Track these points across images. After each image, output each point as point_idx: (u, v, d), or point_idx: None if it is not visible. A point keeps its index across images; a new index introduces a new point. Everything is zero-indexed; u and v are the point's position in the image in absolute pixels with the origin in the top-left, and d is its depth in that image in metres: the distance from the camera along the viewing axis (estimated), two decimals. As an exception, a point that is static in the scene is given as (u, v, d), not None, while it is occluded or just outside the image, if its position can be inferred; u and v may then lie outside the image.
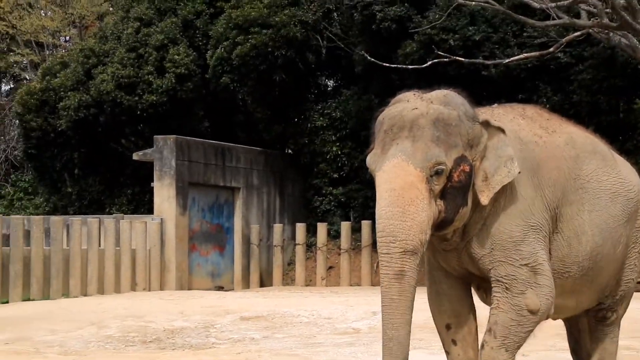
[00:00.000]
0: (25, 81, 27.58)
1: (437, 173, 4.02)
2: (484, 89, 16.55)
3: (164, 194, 16.40)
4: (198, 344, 8.63)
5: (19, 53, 28.03)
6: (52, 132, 20.60)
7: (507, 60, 15.44)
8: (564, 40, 14.70)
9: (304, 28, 18.88)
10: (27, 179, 25.27)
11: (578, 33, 14.61)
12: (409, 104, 4.19)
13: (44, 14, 28.50)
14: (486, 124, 4.27)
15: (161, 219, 16.19)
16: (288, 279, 18.18)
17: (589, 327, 5.09)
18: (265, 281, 18.22)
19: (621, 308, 5.06)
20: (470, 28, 17.29)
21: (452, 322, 4.50)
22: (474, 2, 15.03)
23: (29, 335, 9.14)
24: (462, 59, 15.19)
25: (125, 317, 10.05)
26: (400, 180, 3.99)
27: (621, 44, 14.83)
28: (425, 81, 16.86)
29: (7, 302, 13.40)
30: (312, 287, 17.26)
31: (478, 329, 4.49)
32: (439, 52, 15.04)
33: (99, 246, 15.05)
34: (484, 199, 4.18)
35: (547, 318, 4.44)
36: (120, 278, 15.11)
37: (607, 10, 13.40)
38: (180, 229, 16.34)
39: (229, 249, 17.93)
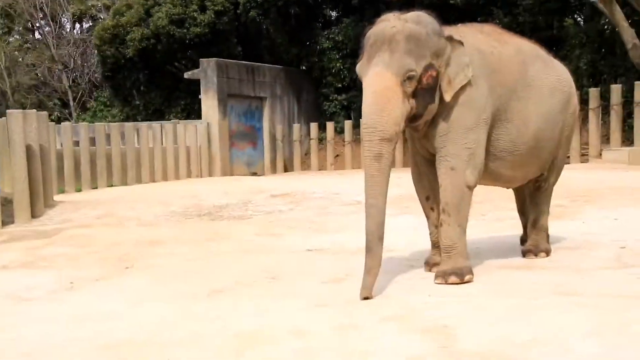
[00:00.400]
0: (100, 20, 27.16)
1: (409, 78, 4.03)
2: (451, 14, 16.29)
3: (209, 103, 16.37)
4: (240, 215, 8.71)
5: (94, -2, 27.56)
6: (122, 58, 20.45)
7: (469, -9, 15.15)
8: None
9: (311, -29, 18.44)
10: (105, 95, 25.20)
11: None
12: (389, 23, 4.17)
13: (111, -33, 27.84)
14: (450, 39, 4.26)
15: (207, 122, 16.19)
16: (305, 166, 18.25)
17: (530, 193, 5.15)
18: (288, 167, 18.31)
19: (553, 177, 5.11)
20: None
21: (430, 194, 4.58)
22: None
23: (113, 212, 9.23)
24: (434, -9, 14.91)
25: (184, 197, 10.14)
26: (380, 84, 4.00)
27: (557, -25, 14.55)
28: (406, 7, 16.61)
29: (96, 187, 13.51)
30: (324, 171, 17.33)
31: None
32: (416, -14, 14.74)
33: (162, 145, 15.06)
34: (447, 97, 4.22)
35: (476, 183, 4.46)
36: (179, 168, 15.17)
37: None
38: (223, 130, 16.35)
39: (260, 144, 17.96)
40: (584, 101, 14.88)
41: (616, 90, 14.27)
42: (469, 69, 4.25)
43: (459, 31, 4.48)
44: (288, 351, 3.06)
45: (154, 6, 20.15)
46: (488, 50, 4.48)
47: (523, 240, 5.28)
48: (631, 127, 14.41)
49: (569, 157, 14.78)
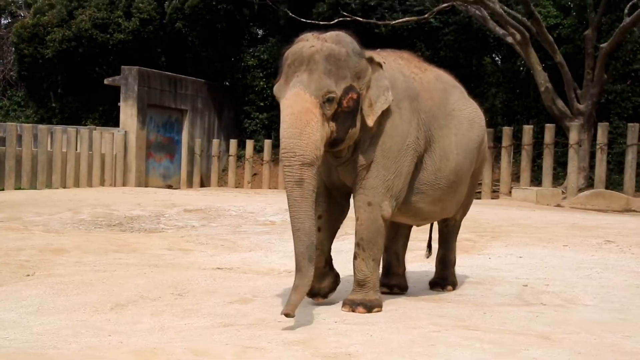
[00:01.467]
0: (20, 17, 26.35)
1: (329, 100, 3.85)
2: (376, 44, 16.53)
3: (127, 112, 16.11)
4: (151, 228, 8.55)
5: (16, -6, 26.76)
6: (40, 59, 19.90)
7: (393, 22, 15.60)
8: (435, 9, 14.93)
9: (241, -12, 18.46)
10: (20, 95, 24.42)
11: (446, 5, 14.81)
12: (307, 43, 3.98)
13: (36, -36, 27.13)
14: (370, 60, 4.10)
15: (125, 131, 15.90)
16: (222, 182, 18.14)
17: (438, 230, 5.06)
18: (204, 183, 18.15)
19: (460, 214, 5.01)
20: (368, -5, 17.31)
21: (323, 215, 4.31)
22: (372, -24, 14.90)
23: (19, 216, 8.91)
24: (361, 19, 15.26)
25: (95, 206, 9.88)
26: (298, 106, 3.81)
27: (476, 15, 15.18)
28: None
29: (3, 189, 13.03)
30: (240, 188, 17.25)
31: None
32: (344, 13, 15.02)
33: (76, 150, 14.68)
34: (370, 121, 4.03)
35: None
36: (92, 175, 14.82)
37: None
38: (140, 140, 16.10)
39: (177, 157, 17.75)
40: (497, 139, 15.36)
41: (528, 130, 14.78)
42: (389, 92, 4.07)
43: (381, 55, 4.36)
44: (188, 371, 3.00)
45: (78, 8, 19.72)
46: (410, 75, 4.35)
47: (382, 283, 4.61)
48: (540, 168, 14.95)
49: (479, 192, 15.28)
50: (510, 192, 14.55)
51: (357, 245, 4.18)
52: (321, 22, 15.08)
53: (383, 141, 4.12)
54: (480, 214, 9.78)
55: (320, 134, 3.84)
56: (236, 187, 17.40)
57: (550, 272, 5.76)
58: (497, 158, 15.50)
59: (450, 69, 15.51)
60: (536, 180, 15.19)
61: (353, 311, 4.13)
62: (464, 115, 4.59)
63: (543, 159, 14.58)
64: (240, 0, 18.70)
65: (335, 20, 14.79)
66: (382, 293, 4.51)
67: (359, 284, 4.19)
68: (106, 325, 3.78)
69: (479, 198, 14.92)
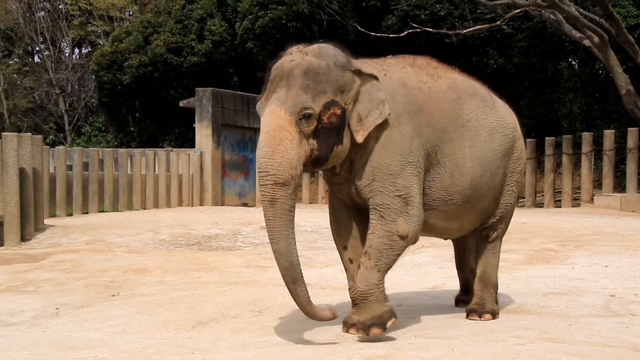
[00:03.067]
0: (99, 46, 27.30)
1: (305, 116, 3.64)
2: (446, 54, 16.44)
3: (202, 132, 16.39)
4: (228, 246, 8.68)
5: (94, 24, 27.80)
6: (119, 85, 20.54)
7: (464, 31, 15.37)
8: (507, 16, 14.66)
9: (310, 5, 18.66)
10: (100, 121, 25.23)
11: (518, 10, 14.52)
12: (289, 57, 3.82)
13: (112, -6, 28.13)
14: (358, 72, 3.84)
15: (201, 151, 16.18)
16: (296, 198, 18.23)
17: (475, 244, 4.62)
18: (280, 199, 18.26)
19: (501, 227, 4.57)
20: (437, 5, 17.27)
21: (348, 244, 4.12)
22: (441, -13, 14.83)
23: (103, 238, 9.18)
24: (431, 30, 15.11)
25: (174, 226, 10.10)
26: (273, 124, 3.65)
27: (550, 19, 14.87)
28: (403, 47, 16.74)
29: (87, 212, 13.46)
30: (315, 204, 17.32)
31: None
32: (413, 25, 14.91)
33: (154, 172, 15.05)
34: (359, 138, 3.79)
35: (414, 242, 4.03)
36: (170, 196, 15.14)
37: (541, -8, 13.42)
38: (215, 159, 16.35)
39: (252, 175, 17.93)
40: (577, 145, 14.98)
41: (609, 135, 14.37)
42: (385, 105, 3.82)
43: (385, 64, 4.12)
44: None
45: (153, 34, 20.30)
46: (415, 86, 4.06)
47: (459, 300, 4.83)
48: (623, 173, 14.49)
49: (558, 200, 14.93)
50: (592, 199, 14.15)
51: (365, 253, 3.90)
52: (391, 35, 15.09)
53: (381, 157, 3.87)
54: (561, 222, 9.55)
55: (295, 152, 3.64)
56: (310, 203, 17.48)
57: (639, 282, 5.57)
58: (577, 165, 15.11)
59: (524, 76, 15.26)
60: (619, 187, 14.73)
61: (368, 335, 3.81)
62: (482, 125, 4.25)
63: (627, 164, 14.14)
64: (310, 18, 18.87)
65: (405, 33, 14.73)
66: (457, 311, 4.42)
67: (363, 297, 3.87)
68: (189, 343, 3.85)
69: (559, 207, 14.58)
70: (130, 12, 28.72)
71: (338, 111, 3.74)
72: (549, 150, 15.04)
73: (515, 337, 3.85)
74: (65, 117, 27.06)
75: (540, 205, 15.06)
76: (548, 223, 9.57)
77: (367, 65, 3.99)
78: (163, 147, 17.87)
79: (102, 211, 13.64)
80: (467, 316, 4.42)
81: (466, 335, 3.92)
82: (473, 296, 4.53)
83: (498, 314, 4.45)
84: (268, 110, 3.70)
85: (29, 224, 9.49)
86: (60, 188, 13.18)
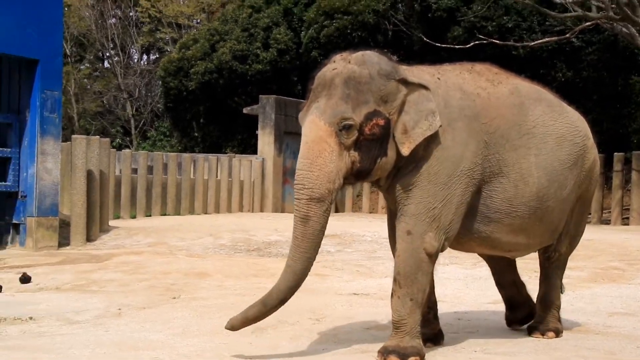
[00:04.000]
0: (166, 52, 27.87)
1: (345, 128, 3.48)
2: (513, 66, 16.20)
3: (265, 139, 16.53)
4: (288, 253, 8.70)
5: (163, 32, 28.46)
6: (184, 91, 20.90)
7: (532, 43, 15.18)
8: (577, 28, 14.41)
9: (375, 15, 18.70)
10: (165, 126, 25.71)
11: (588, 23, 14.25)
12: (332, 65, 3.67)
13: (182, 2, 28.75)
14: (404, 81, 3.64)
15: (263, 158, 16.33)
16: (356, 208, 18.21)
17: (540, 264, 4.41)
18: (339, 208, 18.25)
19: (565, 246, 4.32)
20: (505, 17, 17.07)
21: None
22: (508, -3, 14.70)
23: (165, 241, 9.33)
24: (498, 42, 14.93)
25: (234, 231, 10.19)
26: (312, 135, 3.52)
27: (622, 33, 14.52)
28: (468, 58, 16.57)
29: (150, 215, 13.70)
30: (375, 214, 17.27)
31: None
32: (480, 36, 14.79)
33: (217, 177, 15.23)
34: (405, 150, 3.58)
35: (442, 251, 3.77)
36: (231, 201, 15.30)
37: (613, 5, 13.15)
38: (277, 166, 16.46)
39: (314, 182, 17.99)
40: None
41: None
42: (435, 117, 3.60)
43: (441, 69, 3.94)
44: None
45: (219, 41, 20.61)
46: (474, 91, 3.85)
47: (509, 320, 4.56)
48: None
49: (626, 218, 14.53)
50: (660, 217, 13.73)
51: (394, 280, 3.69)
52: (456, 46, 14.96)
53: (430, 164, 3.65)
54: (629, 240, 9.29)
55: (335, 165, 3.48)
56: (370, 213, 17.44)
57: None
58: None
59: (593, 90, 14.94)
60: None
61: (383, 358, 3.62)
62: (549, 132, 3.99)
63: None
64: (375, 28, 18.89)
65: (472, 44, 14.61)
66: (515, 330, 4.29)
67: (395, 326, 3.69)
68: (247, 349, 3.87)
69: (627, 224, 14.19)
70: (198, 20, 29.24)
71: (381, 122, 3.56)
72: (617, 166, 14.67)
73: (579, 356, 3.75)
74: (132, 121, 27.68)
75: (607, 222, 14.69)
76: (615, 241, 9.32)
77: (417, 72, 3.82)
78: (226, 153, 18.07)
79: (165, 214, 13.86)
80: (530, 334, 4.28)
81: (528, 353, 3.84)
82: (523, 312, 4.43)
83: (561, 332, 4.28)
84: (308, 120, 3.58)
85: (95, 225, 9.71)
86: (125, 190, 13.46)
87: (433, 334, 4.01)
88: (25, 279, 6.35)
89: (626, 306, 5.30)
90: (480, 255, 4.56)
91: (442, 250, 3.73)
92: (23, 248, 8.76)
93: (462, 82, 3.87)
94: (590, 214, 14.70)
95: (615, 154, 14.87)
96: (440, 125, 3.62)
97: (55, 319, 4.77)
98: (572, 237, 4.34)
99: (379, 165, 3.60)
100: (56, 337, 4.20)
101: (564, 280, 5.59)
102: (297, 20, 20.31)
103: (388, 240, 4.11)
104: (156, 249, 8.71)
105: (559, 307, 4.37)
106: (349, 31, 18.48)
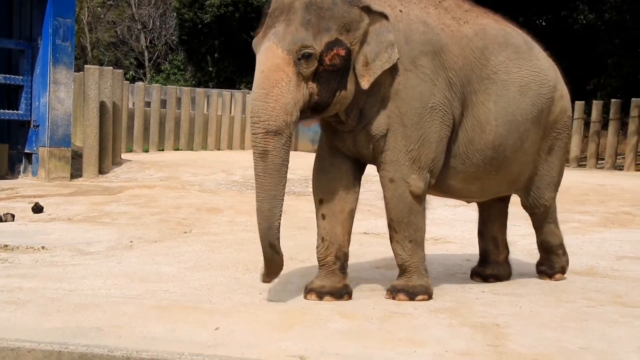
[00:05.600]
0: (180, -16, 27.50)
1: (305, 56, 3.24)
2: (535, 6, 15.94)
3: (280, 76, 16.40)
4: (300, 191, 8.74)
5: (177, -39, 27.96)
6: (199, 23, 20.70)
7: (555, -16, 14.77)
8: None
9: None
10: (179, 59, 25.58)
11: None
12: None
13: None
14: (367, 9, 3.41)
15: (277, 94, 16.24)
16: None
17: (532, 221, 4.32)
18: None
19: (548, 198, 4.19)
20: (527, -43, 16.60)
21: (325, 197, 3.71)
22: None
23: (177, 176, 9.39)
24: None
25: (246, 168, 10.21)
26: (268, 63, 3.25)
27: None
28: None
29: (163, 150, 13.75)
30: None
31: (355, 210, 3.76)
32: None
33: (230, 113, 15.20)
34: (365, 83, 3.39)
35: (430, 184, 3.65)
36: (244, 138, 15.31)
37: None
38: (291, 103, 16.38)
39: (327, 120, 17.95)
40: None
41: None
42: (394, 49, 3.40)
43: (404, 2, 3.65)
44: (332, 331, 3.07)
45: (236, -25, 20.30)
46: (437, 26, 3.62)
47: (473, 272, 4.35)
48: None
49: (600, 165, 14.40)
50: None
51: (389, 226, 3.66)
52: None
53: (396, 106, 3.48)
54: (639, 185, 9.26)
55: (292, 96, 3.24)
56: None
57: None
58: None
59: (615, 33, 14.60)
60: None
61: (393, 298, 3.63)
62: (512, 79, 3.78)
63: None
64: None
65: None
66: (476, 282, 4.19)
67: (400, 268, 3.69)
68: (257, 284, 3.92)
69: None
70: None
71: (342, 52, 3.33)
72: (634, 111, 14.51)
73: (585, 299, 3.78)
74: (146, 53, 27.53)
75: (620, 167, 14.62)
76: (627, 186, 9.29)
77: (379, 1, 3.56)
78: (240, 89, 18.00)
79: (178, 149, 13.92)
80: (538, 275, 4.32)
81: (535, 294, 3.87)
82: (490, 271, 4.25)
83: (567, 267, 4.35)
84: (264, 47, 3.29)
85: (107, 157, 9.77)
86: (138, 124, 13.49)
87: (335, 289, 3.66)
88: (37, 209, 6.43)
89: (635, 250, 5.32)
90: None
91: (429, 185, 3.65)
92: (35, 178, 8.84)
93: (426, 16, 3.63)
94: (603, 159, 14.65)
95: (632, 99, 14.70)
96: (399, 58, 3.43)
97: (68, 249, 4.84)
98: (551, 184, 4.20)
99: (338, 99, 3.39)
100: (68, 267, 4.27)
101: (575, 226, 5.60)
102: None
103: (312, 179, 3.83)
104: (168, 183, 8.77)
105: (561, 247, 4.34)
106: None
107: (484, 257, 4.34)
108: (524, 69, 3.85)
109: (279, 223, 3.39)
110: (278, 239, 3.42)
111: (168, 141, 14.06)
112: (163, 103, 14.37)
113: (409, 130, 3.49)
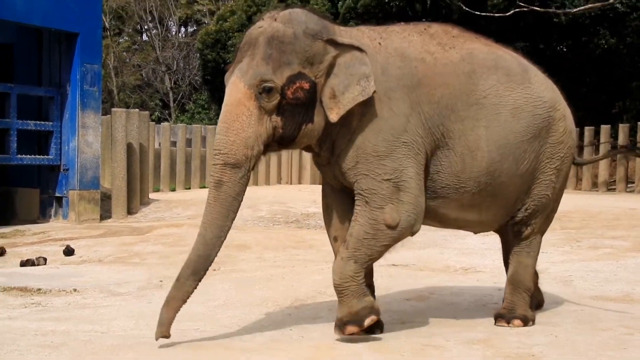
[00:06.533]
0: (204, 25, 27.89)
1: (265, 90, 3.28)
2: (555, 33, 15.95)
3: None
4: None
5: (201, 3, 28.49)
6: (222, 63, 20.91)
7: (574, 10, 14.79)
8: (621, -6, 14.00)
9: (413, -17, 18.45)
10: (203, 98, 25.84)
11: (634, -13, 13.85)
12: (260, 22, 3.44)
13: (217, -26, 28.75)
14: (332, 42, 3.39)
15: (301, 130, 16.32)
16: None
17: (508, 242, 4.01)
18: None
19: (535, 222, 3.90)
20: (546, -16, 16.62)
21: (338, 234, 3.67)
22: (550, -36, 14.36)
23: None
24: (538, 9, 14.60)
25: (273, 203, 10.23)
26: (231, 98, 3.32)
27: (669, -3, 14.07)
28: (508, 27, 16.26)
29: (189, 188, 13.82)
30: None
31: None
32: (520, 3, 14.48)
33: (256, 149, 15.29)
34: (333, 117, 3.35)
35: (412, 233, 3.54)
36: (269, 174, 15.36)
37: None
38: (316, 138, 16.44)
39: (352, 153, 17.95)
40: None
41: None
42: (369, 81, 3.34)
43: (386, 31, 3.63)
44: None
45: (257, 13, 20.54)
46: (417, 56, 3.55)
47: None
48: None
49: (630, 189, 14.19)
50: None
51: (344, 242, 3.50)
52: (496, 15, 14.70)
53: (366, 138, 3.41)
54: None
55: (253, 130, 3.28)
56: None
57: None
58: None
59: (638, 57, 14.43)
60: None
61: (344, 334, 3.43)
62: (503, 103, 3.64)
63: None
64: (412, -4, 18.65)
65: (512, 12, 14.33)
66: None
67: (338, 291, 3.48)
68: (287, 320, 3.90)
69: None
70: (235, -8, 29.19)
71: (305, 85, 3.33)
72: (661, 134, 14.37)
73: (623, 326, 3.71)
74: (170, 94, 27.86)
75: (650, 191, 14.42)
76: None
77: (356, 34, 3.56)
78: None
79: (204, 187, 13.96)
80: (495, 322, 3.85)
81: (570, 322, 3.80)
82: (503, 298, 4.00)
83: (531, 320, 3.84)
84: (230, 81, 3.38)
85: (135, 198, 9.83)
86: (165, 163, 13.59)
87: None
88: (68, 252, 6.47)
89: (672, 276, 5.22)
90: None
91: (413, 232, 3.52)
92: (66, 221, 8.92)
93: (406, 47, 3.56)
94: (633, 182, 14.46)
95: (659, 122, 14.55)
96: (375, 91, 3.36)
97: (99, 290, 4.86)
98: (544, 212, 3.92)
99: (304, 132, 3.39)
100: (100, 308, 4.28)
101: (607, 251, 5.50)
102: (334, -10, 20.16)
103: (323, 218, 3.83)
104: (196, 221, 8.78)
105: (530, 290, 3.93)
106: (386, 0, 18.27)
107: None
108: (516, 92, 3.71)
109: (216, 255, 3.41)
110: (204, 272, 3.40)
111: (194, 179, 14.15)
112: (188, 142, 14.48)
113: (382, 160, 3.40)
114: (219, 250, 3.42)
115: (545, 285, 4.76)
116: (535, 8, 14.47)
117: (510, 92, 3.68)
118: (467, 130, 3.56)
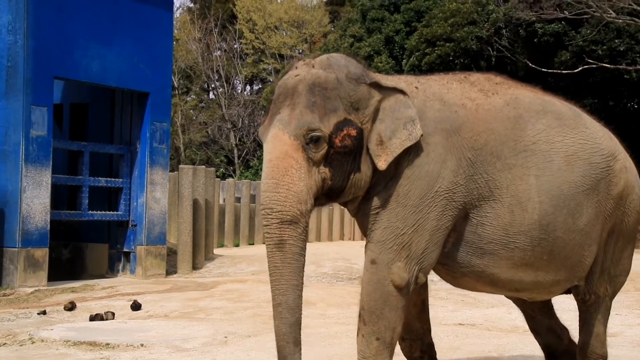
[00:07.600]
0: (269, 83, 28.54)
1: (313, 140, 3.03)
2: (625, 90, 15.74)
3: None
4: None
5: (266, 62, 29.22)
6: (287, 120, 21.28)
7: (646, 66, 14.60)
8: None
9: (479, 42, 18.57)
10: (268, 155, 26.11)
11: None
12: (295, 71, 3.22)
13: (284, 34, 29.48)
14: (376, 85, 3.20)
15: (365, 187, 16.39)
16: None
17: (578, 308, 3.68)
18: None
19: (602, 288, 3.59)
20: (616, 40, 16.55)
21: None
22: (620, 20, 14.27)
23: (265, 269, 9.47)
24: (608, 65, 14.51)
25: (336, 259, 10.25)
26: (276, 151, 3.05)
27: None
28: (576, 83, 16.14)
29: (253, 244, 13.95)
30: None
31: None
32: (589, 60, 14.42)
33: (319, 206, 15.40)
34: (382, 164, 3.13)
35: (417, 284, 3.22)
36: (332, 230, 15.41)
37: None
38: (380, 195, 16.46)
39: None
40: None
41: None
42: (415, 125, 3.14)
43: (423, 78, 3.47)
44: None
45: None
46: (457, 102, 3.33)
47: None
48: None
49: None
50: None
51: (359, 316, 3.22)
52: (564, 71, 14.66)
53: (400, 184, 3.17)
54: None
55: (304, 184, 3.03)
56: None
57: None
58: None
59: None
60: None
61: None
62: (556, 150, 3.36)
63: None
64: (478, 54, 18.74)
65: (580, 69, 14.28)
66: None
67: None
68: (352, 378, 3.89)
69: None
70: (300, 51, 29.80)
71: (353, 132, 3.10)
72: None
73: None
74: (235, 151, 28.38)
75: None
76: None
77: (392, 78, 3.38)
78: (328, 182, 18.26)
79: (252, 244, 14.08)
80: None
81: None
82: None
83: None
84: (270, 135, 3.10)
85: (200, 253, 10.00)
86: (229, 219, 13.79)
87: None
88: (135, 306, 6.61)
89: None
90: (507, 297, 3.92)
91: (417, 284, 3.22)
92: (133, 276, 9.11)
93: (445, 92, 3.37)
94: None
95: None
96: (422, 135, 3.16)
97: (165, 346, 4.94)
98: (610, 276, 3.61)
99: (352, 182, 3.15)
100: (166, 362, 4.34)
101: None
102: (399, 49, 20.42)
103: None
104: (259, 277, 8.87)
105: (604, 356, 3.66)
106: (451, 58, 18.42)
107: (550, 352, 3.94)
108: (569, 137, 3.41)
109: (301, 317, 3.08)
110: (300, 335, 3.07)
111: (258, 235, 14.29)
112: (252, 198, 14.69)
113: (406, 212, 3.15)
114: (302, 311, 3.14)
115: (621, 349, 4.65)
116: (604, 65, 14.38)
117: (563, 137, 3.40)
118: (516, 180, 3.28)
